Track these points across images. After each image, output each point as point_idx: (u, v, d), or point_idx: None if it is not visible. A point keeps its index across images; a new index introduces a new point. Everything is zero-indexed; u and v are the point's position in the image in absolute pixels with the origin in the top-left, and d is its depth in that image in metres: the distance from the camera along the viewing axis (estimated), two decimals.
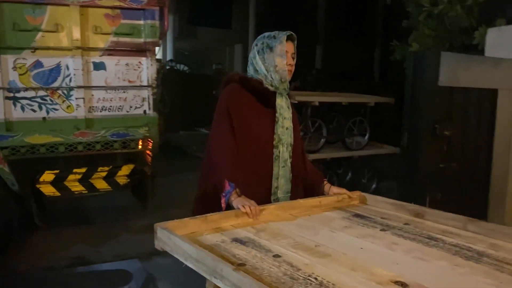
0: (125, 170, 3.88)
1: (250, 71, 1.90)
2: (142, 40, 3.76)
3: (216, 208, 1.71)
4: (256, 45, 1.89)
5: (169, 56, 16.31)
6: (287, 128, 1.89)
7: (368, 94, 6.18)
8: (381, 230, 1.59)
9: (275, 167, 1.86)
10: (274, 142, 1.85)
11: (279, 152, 1.86)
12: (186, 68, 16.24)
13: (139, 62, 3.77)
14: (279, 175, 1.86)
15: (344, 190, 1.98)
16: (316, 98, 5.18)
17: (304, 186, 1.99)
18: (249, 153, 1.82)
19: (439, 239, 1.50)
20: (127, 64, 3.74)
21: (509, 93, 3.18)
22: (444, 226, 1.64)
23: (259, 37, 1.92)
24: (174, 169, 8.12)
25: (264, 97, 1.86)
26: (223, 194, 1.70)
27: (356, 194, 1.99)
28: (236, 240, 1.48)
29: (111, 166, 3.83)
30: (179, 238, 1.41)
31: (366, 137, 5.91)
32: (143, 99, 3.82)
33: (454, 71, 2.88)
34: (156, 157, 4.00)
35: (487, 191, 3.23)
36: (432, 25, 4.33)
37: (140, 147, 3.89)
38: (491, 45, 3.45)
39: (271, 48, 1.83)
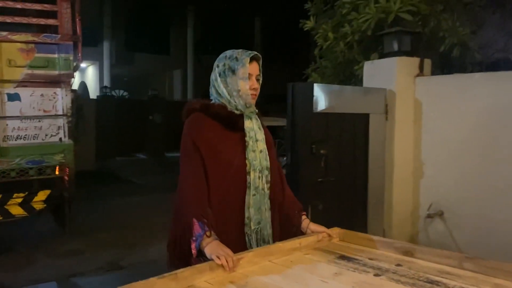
0: (42, 195, 4.04)
1: (213, 94, 1.74)
2: (56, 72, 4.00)
3: (188, 255, 1.55)
4: (218, 66, 1.72)
5: (105, 82, 16.27)
6: (260, 151, 1.72)
7: None
8: (374, 275, 1.45)
9: (247, 195, 1.67)
10: (246, 168, 1.68)
11: (251, 178, 1.68)
12: (123, 94, 16.27)
13: (54, 93, 4.00)
14: (249, 204, 1.68)
15: (323, 228, 1.81)
16: None
17: (280, 217, 1.80)
18: (223, 184, 1.66)
19: (440, 283, 1.38)
20: (42, 95, 3.96)
21: (378, 116, 3.75)
22: (438, 265, 1.53)
23: (220, 56, 1.74)
24: (105, 193, 8.21)
25: (231, 122, 1.70)
26: (193, 239, 1.52)
27: (336, 231, 1.85)
28: None
29: (27, 192, 3.98)
30: None
31: (285, 157, 6.38)
32: (59, 128, 4.04)
33: (327, 100, 3.38)
34: (73, 182, 4.19)
35: (366, 200, 3.74)
36: (330, 57, 4.92)
37: (56, 173, 4.07)
38: (367, 76, 4.03)
39: (233, 71, 1.67)
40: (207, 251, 1.48)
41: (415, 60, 3.87)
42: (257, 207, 1.69)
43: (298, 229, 1.82)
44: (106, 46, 16.45)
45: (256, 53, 1.71)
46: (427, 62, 3.93)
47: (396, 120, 3.80)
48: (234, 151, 1.69)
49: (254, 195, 1.68)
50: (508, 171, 3.29)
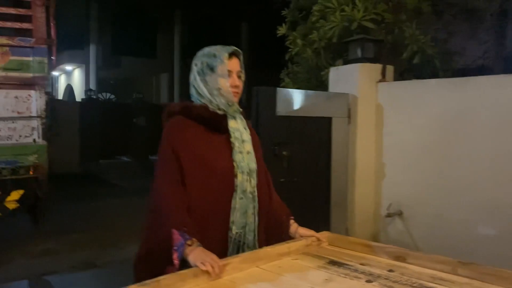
0: (15, 195, 4.11)
1: (193, 95, 1.66)
2: (31, 74, 4.08)
3: (165, 268, 1.44)
4: (196, 64, 1.65)
5: (92, 85, 16.33)
6: (248, 152, 1.64)
7: None
8: (366, 281, 1.40)
9: (233, 199, 1.59)
10: (234, 171, 1.60)
11: (238, 181, 1.60)
12: (111, 96, 16.30)
13: (28, 95, 4.09)
14: (235, 208, 1.60)
15: (312, 232, 1.76)
16: None
17: (267, 222, 1.71)
18: (209, 188, 1.58)
19: None
20: (16, 97, 4.04)
21: (341, 120, 3.92)
22: (432, 270, 1.49)
23: (198, 54, 1.67)
24: (87, 195, 8.29)
25: (214, 123, 1.62)
26: (175, 248, 1.43)
27: (325, 235, 1.81)
28: None
29: (0, 192, 4.05)
30: None
31: None
32: (33, 129, 4.12)
33: (290, 104, 3.54)
34: (47, 182, 4.27)
35: (329, 200, 3.89)
36: (301, 63, 5.09)
37: (30, 173, 4.15)
38: (332, 81, 4.20)
39: (212, 69, 1.60)
40: (191, 258, 1.41)
41: (378, 67, 4.04)
42: (243, 211, 1.61)
43: (287, 234, 1.76)
44: (93, 49, 16.52)
45: (235, 48, 1.64)
46: (389, 69, 4.11)
47: (358, 123, 3.97)
48: (220, 154, 1.61)
49: (241, 198, 1.60)
50: (461, 173, 3.47)
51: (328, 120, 3.83)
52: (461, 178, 3.47)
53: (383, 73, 4.05)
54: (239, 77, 1.65)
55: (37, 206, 4.31)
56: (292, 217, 1.81)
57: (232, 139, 1.63)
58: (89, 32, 16.46)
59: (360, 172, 3.99)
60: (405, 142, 3.87)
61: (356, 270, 1.49)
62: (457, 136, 3.49)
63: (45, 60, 4.12)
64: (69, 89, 18.65)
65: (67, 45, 16.61)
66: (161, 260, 1.47)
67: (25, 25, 4.09)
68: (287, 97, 3.52)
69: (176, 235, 1.44)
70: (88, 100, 12.83)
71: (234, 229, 1.59)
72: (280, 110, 3.46)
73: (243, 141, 1.65)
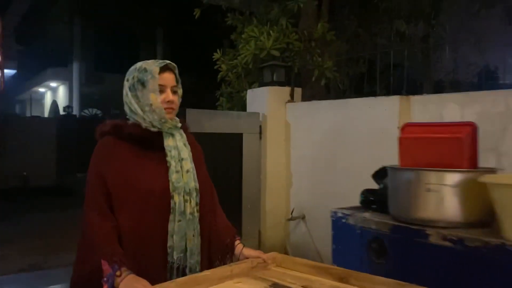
0: None
1: (127, 112, 1.58)
2: None
3: None
4: (127, 80, 1.56)
5: (75, 101, 16.89)
6: (187, 171, 1.55)
7: None
8: None
9: (170, 222, 1.50)
10: (170, 192, 1.51)
11: (175, 203, 1.50)
12: (96, 112, 16.87)
13: None
14: (174, 231, 1.50)
15: (258, 253, 1.66)
16: None
17: (210, 245, 1.63)
18: (144, 212, 1.48)
19: None
20: None
21: (252, 135, 4.47)
22: None
23: (130, 69, 1.58)
24: (58, 206, 8.77)
25: (147, 142, 1.53)
26: (105, 280, 1.37)
27: (272, 256, 1.72)
28: None
29: None
30: None
31: None
32: None
33: (201, 122, 4.10)
34: None
35: (240, 207, 4.43)
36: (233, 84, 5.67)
37: None
38: (249, 102, 4.78)
39: (143, 84, 1.51)
40: (122, 287, 1.36)
41: (287, 89, 4.62)
42: (182, 234, 1.52)
43: (231, 258, 1.67)
44: (76, 67, 17.12)
45: (169, 62, 1.57)
46: (297, 91, 4.69)
47: (268, 138, 4.53)
48: (155, 175, 1.51)
49: (179, 221, 1.50)
50: (347, 181, 4.02)
51: (239, 136, 4.39)
52: (347, 185, 4.01)
53: (292, 95, 4.62)
54: (174, 92, 1.57)
55: None
56: (238, 238, 1.72)
57: (168, 158, 1.54)
58: (73, 50, 17.09)
59: (270, 181, 4.54)
60: (306, 154, 4.43)
61: None
62: (341, 149, 4.05)
63: None
64: (55, 105, 19.20)
65: (52, 62, 17.25)
66: None
67: None
68: (197, 117, 4.08)
69: (106, 266, 1.39)
70: (66, 116, 13.37)
71: (175, 254, 1.51)
72: (190, 127, 4.01)
73: (182, 159, 1.56)
